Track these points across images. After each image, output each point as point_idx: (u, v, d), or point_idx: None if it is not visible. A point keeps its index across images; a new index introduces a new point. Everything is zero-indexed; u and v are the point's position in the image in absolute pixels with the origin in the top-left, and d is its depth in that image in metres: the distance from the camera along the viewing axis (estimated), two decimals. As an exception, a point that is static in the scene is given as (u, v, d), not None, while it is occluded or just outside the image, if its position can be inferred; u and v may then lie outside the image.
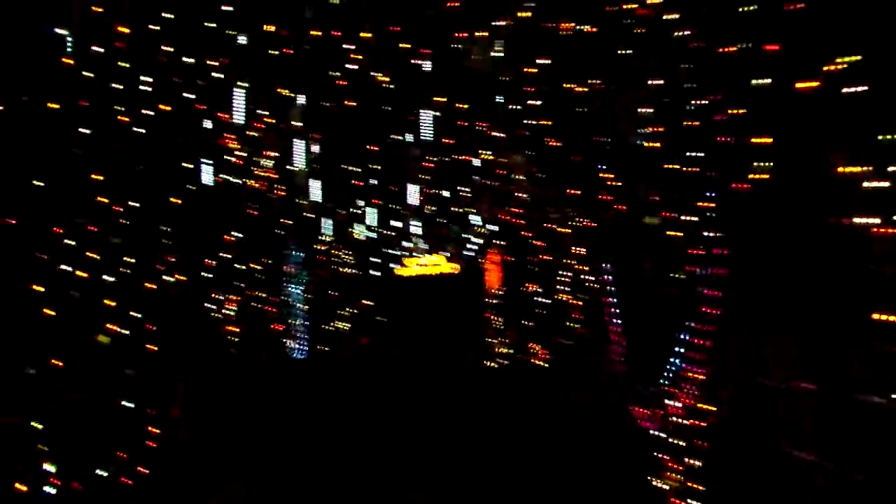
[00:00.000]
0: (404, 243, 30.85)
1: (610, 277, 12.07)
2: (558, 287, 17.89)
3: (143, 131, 10.84)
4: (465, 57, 12.96)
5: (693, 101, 8.67)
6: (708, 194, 8.35)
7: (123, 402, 10.57)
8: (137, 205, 10.60)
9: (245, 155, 15.75)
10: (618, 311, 11.72)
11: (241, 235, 15.57)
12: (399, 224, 26.82)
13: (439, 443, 14.26)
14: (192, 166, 12.83)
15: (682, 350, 8.95)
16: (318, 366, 21.59)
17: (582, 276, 15.87)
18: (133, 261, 10.62)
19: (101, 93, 9.91)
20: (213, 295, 14.94)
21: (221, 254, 15.24)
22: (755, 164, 7.51)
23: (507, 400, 18.64)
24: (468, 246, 30.93)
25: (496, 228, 24.62)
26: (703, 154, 8.44)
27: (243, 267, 16.05)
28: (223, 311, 15.40)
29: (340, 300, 24.78)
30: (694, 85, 8.66)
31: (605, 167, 11.84)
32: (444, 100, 14.31)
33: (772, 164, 7.51)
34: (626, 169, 10.78)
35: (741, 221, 7.89)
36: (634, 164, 10.51)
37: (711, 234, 8.26)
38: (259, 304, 18.12)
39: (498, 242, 24.87)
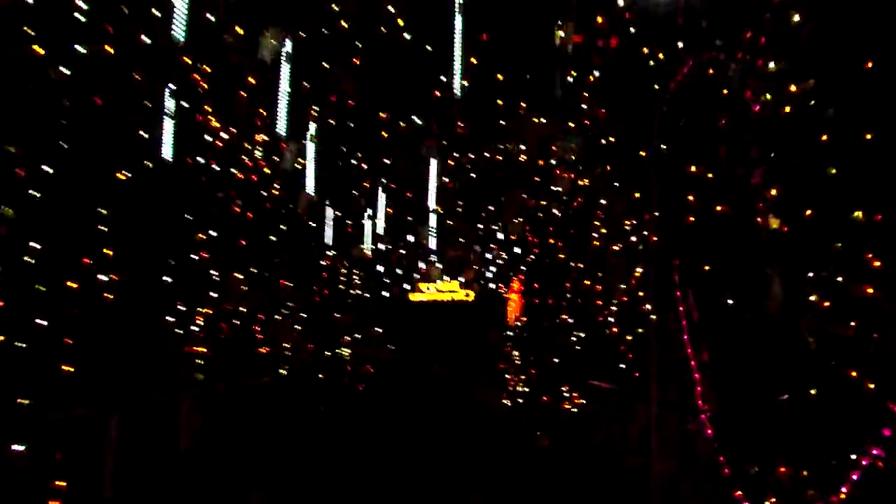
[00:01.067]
0: (420, 264, 28.08)
1: (695, 306, 8.93)
2: (602, 319, 14.87)
3: (70, 73, 7.86)
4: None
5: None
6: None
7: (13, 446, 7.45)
8: (50, 170, 7.57)
9: (227, 136, 12.82)
10: (707, 353, 8.56)
11: (216, 234, 12.60)
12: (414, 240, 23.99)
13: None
14: (148, 136, 9.85)
15: (842, 415, 5.80)
16: (311, 397, 19.03)
17: (637, 306, 12.79)
18: (39, 248, 7.56)
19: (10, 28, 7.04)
20: (175, 304, 11.94)
21: (189, 254, 12.27)
22: None
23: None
24: (488, 270, 28.18)
25: (521, 249, 22.01)
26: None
27: (217, 274, 13.04)
28: (188, 326, 12.38)
29: (343, 324, 22.29)
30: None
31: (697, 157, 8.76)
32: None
33: None
34: (737, 155, 7.69)
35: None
36: (749, 146, 7.41)
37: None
38: (240, 320, 15.14)
39: (523, 267, 22.18)
